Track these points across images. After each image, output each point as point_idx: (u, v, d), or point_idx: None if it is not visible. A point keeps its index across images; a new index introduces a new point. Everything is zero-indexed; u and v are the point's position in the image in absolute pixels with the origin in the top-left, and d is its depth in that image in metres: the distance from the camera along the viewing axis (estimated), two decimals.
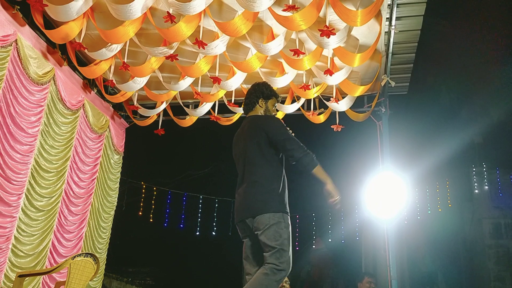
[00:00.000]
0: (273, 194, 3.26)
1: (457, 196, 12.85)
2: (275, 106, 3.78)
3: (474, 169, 12.71)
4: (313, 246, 15.65)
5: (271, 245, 3.12)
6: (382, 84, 6.81)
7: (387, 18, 5.72)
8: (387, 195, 6.68)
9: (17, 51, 5.53)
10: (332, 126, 7.31)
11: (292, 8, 4.88)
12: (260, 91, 3.69)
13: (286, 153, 3.34)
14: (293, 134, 3.54)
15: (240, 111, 7.39)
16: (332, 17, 5.42)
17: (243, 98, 7.43)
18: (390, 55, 6.34)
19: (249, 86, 7.09)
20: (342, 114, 7.27)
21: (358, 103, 7.35)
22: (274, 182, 3.30)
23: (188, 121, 7.71)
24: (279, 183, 3.33)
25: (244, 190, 3.37)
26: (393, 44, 6.16)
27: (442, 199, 12.70)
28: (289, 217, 3.29)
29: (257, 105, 3.67)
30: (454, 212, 12.75)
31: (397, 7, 5.52)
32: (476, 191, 12.64)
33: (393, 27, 5.78)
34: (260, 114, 3.67)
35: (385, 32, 6.00)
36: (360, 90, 6.66)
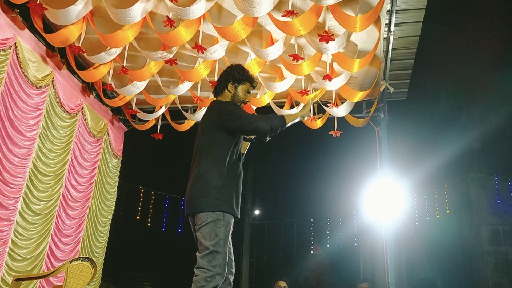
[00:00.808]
0: (214, 191, 3.01)
1: (456, 203, 12.84)
2: (249, 93, 3.38)
3: (472, 176, 12.70)
4: (311, 252, 15.63)
5: (205, 245, 2.93)
6: (381, 90, 6.82)
7: (386, 24, 5.74)
8: (386, 201, 6.67)
9: (16, 54, 5.52)
10: (330, 132, 7.30)
11: (291, 13, 4.89)
12: (231, 74, 3.31)
13: (251, 132, 3.07)
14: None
15: None
16: (331, 22, 5.43)
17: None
18: (389, 61, 6.36)
19: None
20: (340, 120, 7.27)
21: (357, 108, 7.36)
22: (218, 177, 3.04)
23: (185, 126, 7.71)
24: (225, 179, 3.06)
25: (190, 184, 3.13)
26: (392, 50, 6.18)
27: (441, 205, 12.70)
28: (231, 216, 3.05)
29: (226, 89, 3.30)
30: (452, 218, 12.74)
31: (396, 13, 5.54)
32: (475, 197, 12.63)
33: (392, 33, 5.80)
34: (227, 100, 3.31)
35: (384, 38, 6.02)
36: (359, 96, 6.66)
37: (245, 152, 3.43)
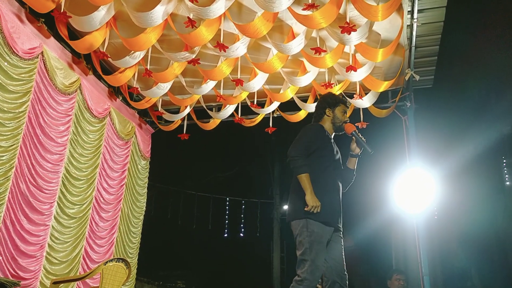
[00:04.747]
0: (302, 200, 3.37)
1: (488, 189, 12.56)
2: (345, 112, 3.84)
3: (504, 161, 12.40)
4: None
5: (297, 255, 3.37)
6: (406, 78, 6.72)
7: (408, 11, 5.65)
8: (416, 190, 6.58)
9: (44, 62, 5.66)
10: (357, 124, 7.23)
11: (311, 6, 4.86)
12: (325, 102, 3.82)
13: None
14: (363, 139, 3.74)
15: (262, 112, 7.40)
16: (352, 13, 5.38)
17: (265, 99, 7.44)
18: (413, 48, 6.25)
19: (271, 86, 7.11)
20: (367, 110, 7.19)
21: (382, 98, 7.27)
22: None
23: (211, 124, 7.76)
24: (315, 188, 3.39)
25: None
26: (416, 37, 6.07)
27: (473, 192, 12.44)
28: (318, 223, 3.36)
29: (325, 115, 3.79)
30: (485, 205, 12.48)
31: None
32: (507, 183, 12.33)
33: (415, 20, 5.71)
34: (328, 123, 3.79)
35: (407, 26, 5.92)
36: (384, 86, 6.58)
37: (355, 167, 3.86)
